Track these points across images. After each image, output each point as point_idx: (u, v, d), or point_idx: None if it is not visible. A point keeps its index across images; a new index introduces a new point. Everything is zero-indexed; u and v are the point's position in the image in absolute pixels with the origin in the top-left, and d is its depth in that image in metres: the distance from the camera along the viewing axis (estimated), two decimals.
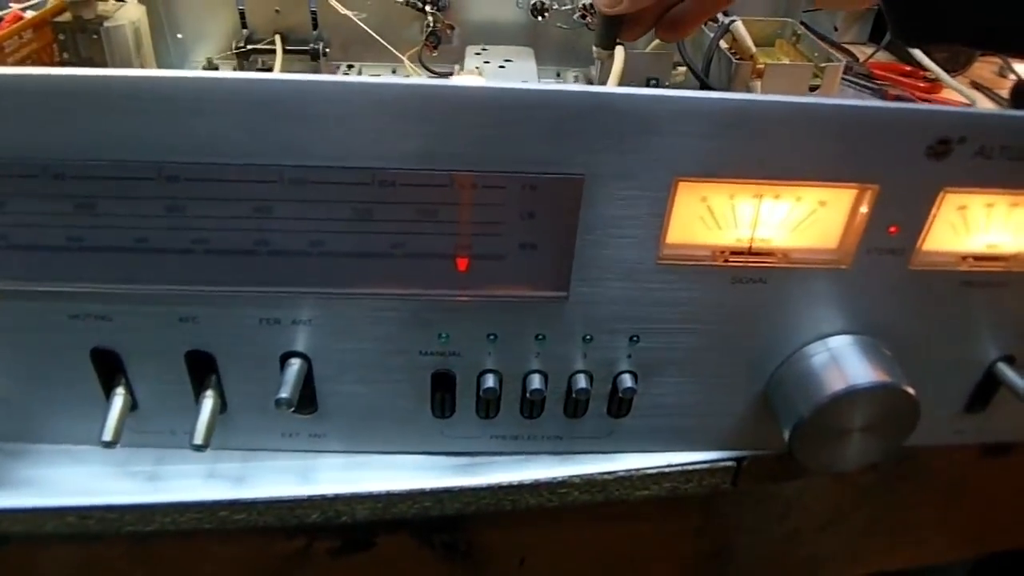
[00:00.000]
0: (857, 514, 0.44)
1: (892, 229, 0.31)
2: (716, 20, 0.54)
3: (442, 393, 0.34)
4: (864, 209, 0.31)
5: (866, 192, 0.30)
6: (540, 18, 0.57)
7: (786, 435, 0.33)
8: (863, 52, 0.78)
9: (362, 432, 0.36)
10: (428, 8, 0.55)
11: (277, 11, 0.54)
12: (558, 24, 0.58)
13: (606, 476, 0.37)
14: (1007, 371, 0.36)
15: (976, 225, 0.32)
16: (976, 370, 0.37)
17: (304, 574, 0.38)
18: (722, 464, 0.38)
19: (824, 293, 0.33)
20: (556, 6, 0.57)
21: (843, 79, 0.71)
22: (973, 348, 0.36)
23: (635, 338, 0.33)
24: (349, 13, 0.51)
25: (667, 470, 0.37)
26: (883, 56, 0.79)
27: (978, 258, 0.33)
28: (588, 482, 0.37)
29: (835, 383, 0.32)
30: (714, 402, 0.36)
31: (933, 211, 0.31)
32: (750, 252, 0.32)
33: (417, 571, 0.40)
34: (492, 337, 0.33)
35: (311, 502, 0.35)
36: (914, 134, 0.29)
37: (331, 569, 0.39)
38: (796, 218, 0.31)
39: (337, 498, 0.35)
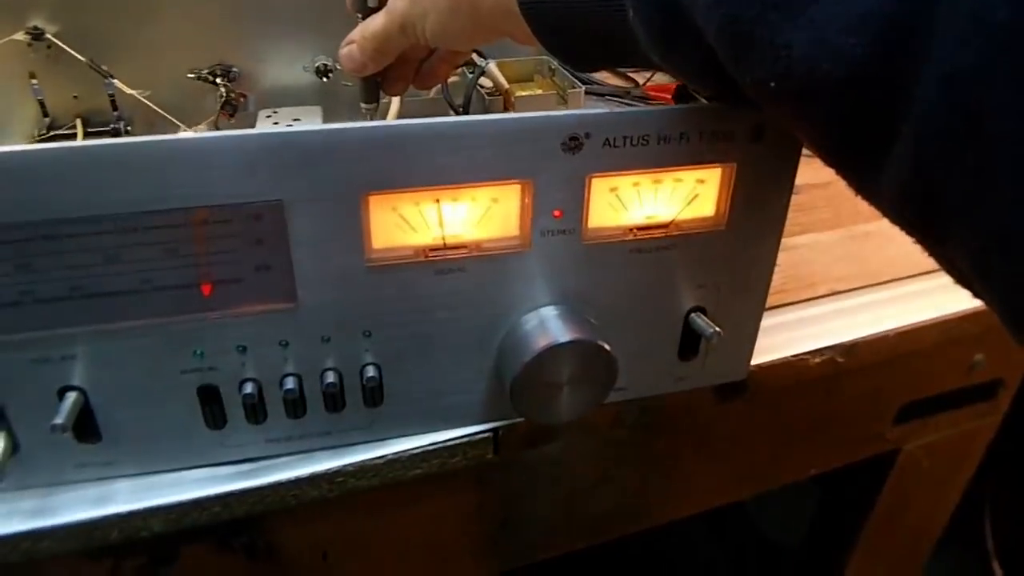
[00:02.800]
0: (623, 470, 0.50)
1: (556, 213, 0.38)
2: (475, 64, 0.62)
3: (210, 406, 0.39)
4: (527, 200, 0.37)
5: (527, 185, 0.37)
6: (325, 79, 0.64)
7: (507, 393, 0.40)
8: (644, 77, 0.88)
9: (147, 453, 0.40)
10: (219, 81, 0.61)
11: (75, 97, 0.59)
12: (343, 82, 0.64)
13: (377, 461, 0.42)
14: (697, 320, 0.43)
15: (630, 201, 0.39)
16: (676, 323, 0.44)
17: None
18: (480, 436, 0.43)
19: (518, 273, 0.39)
20: (339, 67, 0.64)
21: (620, 101, 0.80)
22: (666, 304, 0.43)
23: (368, 333, 0.39)
24: (134, 92, 0.56)
25: (432, 448, 0.43)
26: (663, 78, 0.88)
27: (640, 228, 0.40)
28: (361, 468, 0.42)
29: (539, 342, 0.39)
30: (458, 381, 0.42)
31: (586, 194, 0.38)
32: (446, 247, 0.38)
33: None
34: (242, 348, 0.38)
35: (108, 521, 0.39)
36: (550, 135, 0.36)
37: None
38: (477, 214, 0.38)
39: (132, 514, 0.39)
